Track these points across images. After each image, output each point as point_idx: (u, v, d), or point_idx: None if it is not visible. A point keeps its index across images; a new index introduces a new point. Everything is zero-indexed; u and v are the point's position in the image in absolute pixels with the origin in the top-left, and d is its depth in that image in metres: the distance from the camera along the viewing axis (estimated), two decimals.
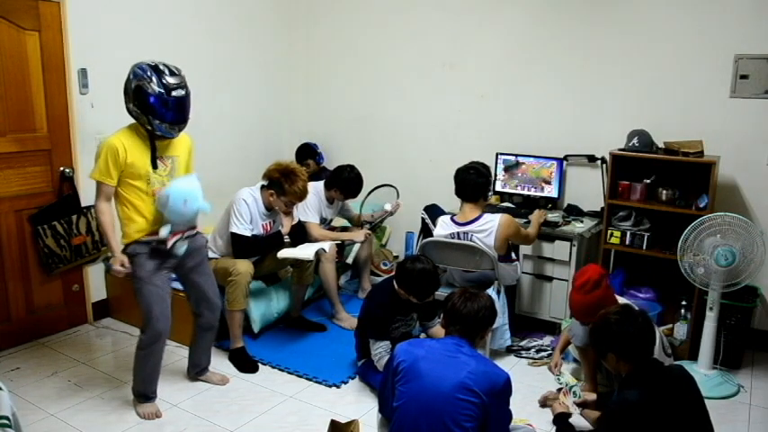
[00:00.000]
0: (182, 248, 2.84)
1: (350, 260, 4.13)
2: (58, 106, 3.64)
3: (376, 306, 3.16)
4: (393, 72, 4.74)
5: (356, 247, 4.23)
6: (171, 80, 2.66)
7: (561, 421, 2.71)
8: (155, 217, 2.80)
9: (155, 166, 2.76)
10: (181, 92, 2.68)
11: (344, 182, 4.04)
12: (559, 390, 2.96)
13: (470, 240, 3.40)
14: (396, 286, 3.12)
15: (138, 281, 2.80)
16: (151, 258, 2.81)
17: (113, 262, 2.77)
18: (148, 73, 2.63)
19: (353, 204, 4.36)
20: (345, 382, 3.29)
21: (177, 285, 3.13)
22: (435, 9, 4.48)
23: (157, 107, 2.63)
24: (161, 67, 2.67)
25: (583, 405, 2.87)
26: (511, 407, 2.20)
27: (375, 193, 4.32)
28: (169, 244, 2.77)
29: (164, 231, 2.77)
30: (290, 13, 5.03)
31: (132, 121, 2.75)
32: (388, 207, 4.22)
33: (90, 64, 3.71)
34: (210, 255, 3.41)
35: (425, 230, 4.02)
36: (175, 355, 3.51)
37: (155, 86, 2.62)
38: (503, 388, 2.13)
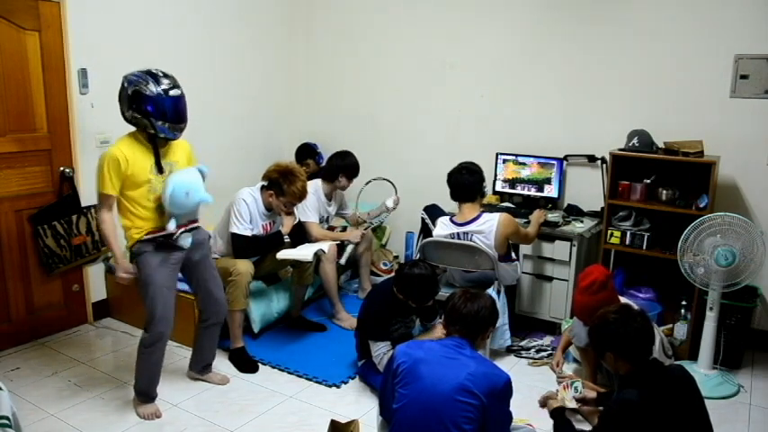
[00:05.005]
0: (187, 240, 2.86)
1: (343, 261, 4.11)
2: (58, 106, 3.64)
3: (375, 307, 3.17)
4: (393, 72, 4.74)
5: (349, 248, 4.19)
6: (166, 81, 2.70)
7: (558, 415, 2.69)
8: (156, 216, 2.81)
9: (160, 171, 2.77)
10: (177, 91, 2.72)
11: (350, 166, 4.09)
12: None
13: (470, 240, 3.40)
14: (395, 290, 3.12)
15: (145, 278, 2.81)
16: (156, 253, 2.82)
17: (117, 270, 2.81)
18: (143, 77, 2.66)
19: (350, 204, 4.36)
20: (345, 382, 3.29)
21: (182, 286, 3.13)
22: (436, 9, 4.47)
23: (158, 108, 2.65)
24: (153, 71, 2.71)
25: (582, 401, 2.86)
26: (511, 407, 2.20)
27: (372, 192, 4.30)
28: (174, 234, 2.79)
29: (171, 225, 2.78)
30: (291, 12, 5.03)
31: (130, 129, 2.77)
32: (390, 203, 4.20)
33: (90, 64, 3.71)
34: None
35: (425, 230, 4.01)
36: (175, 355, 3.51)
37: (152, 88, 2.65)
38: (503, 389, 2.12)
